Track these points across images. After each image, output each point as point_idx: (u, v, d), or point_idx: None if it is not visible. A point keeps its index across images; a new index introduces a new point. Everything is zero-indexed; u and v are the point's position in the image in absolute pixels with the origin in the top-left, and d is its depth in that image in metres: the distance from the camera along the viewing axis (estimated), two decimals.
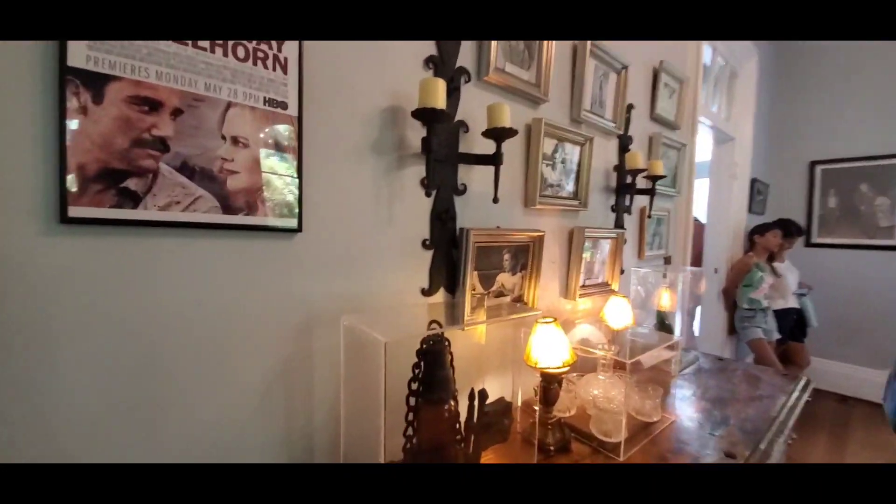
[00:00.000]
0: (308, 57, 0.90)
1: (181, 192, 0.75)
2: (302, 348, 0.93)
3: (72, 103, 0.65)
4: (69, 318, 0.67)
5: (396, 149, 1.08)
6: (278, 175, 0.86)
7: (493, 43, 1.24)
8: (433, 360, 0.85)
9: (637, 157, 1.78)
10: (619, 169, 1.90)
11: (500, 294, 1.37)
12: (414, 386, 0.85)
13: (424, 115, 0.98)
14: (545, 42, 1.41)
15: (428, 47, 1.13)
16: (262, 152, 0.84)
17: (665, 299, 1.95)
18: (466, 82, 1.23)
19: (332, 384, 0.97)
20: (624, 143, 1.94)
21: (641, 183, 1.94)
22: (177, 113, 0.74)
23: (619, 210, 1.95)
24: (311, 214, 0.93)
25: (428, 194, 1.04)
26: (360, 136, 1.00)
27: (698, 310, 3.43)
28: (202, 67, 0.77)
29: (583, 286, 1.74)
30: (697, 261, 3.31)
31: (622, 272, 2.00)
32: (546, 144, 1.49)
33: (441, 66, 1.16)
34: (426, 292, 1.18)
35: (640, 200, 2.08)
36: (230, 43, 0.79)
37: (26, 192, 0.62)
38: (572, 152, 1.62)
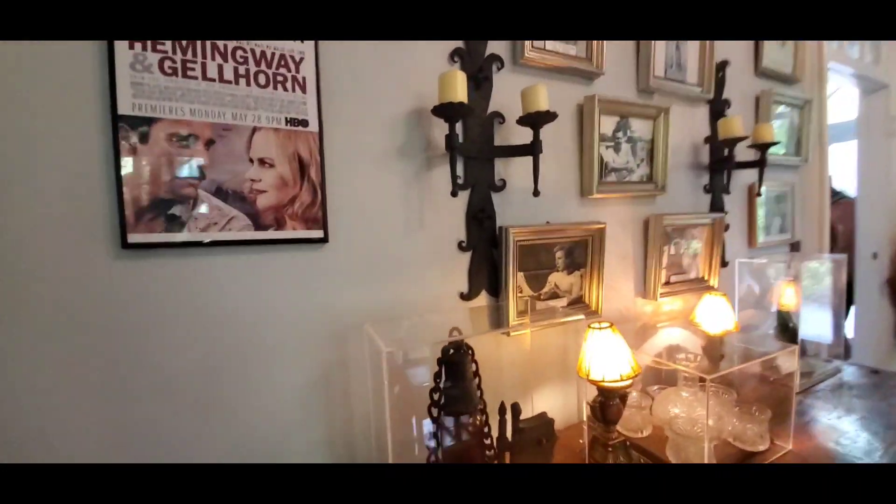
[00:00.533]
0: (326, 70, 0.93)
1: (217, 213, 0.84)
2: (338, 355, 0.96)
3: (123, 145, 0.76)
4: (131, 331, 0.79)
5: (424, 150, 1.05)
6: (303, 189, 0.90)
7: None
8: (453, 370, 0.79)
9: (733, 124, 1.45)
10: (713, 140, 1.58)
11: (553, 296, 1.24)
12: (436, 396, 0.81)
13: (444, 111, 0.93)
14: None
15: (453, 40, 1.07)
16: (287, 169, 0.89)
17: (788, 296, 1.56)
18: (500, 69, 1.14)
19: (368, 390, 0.99)
20: (717, 109, 1.61)
21: (746, 154, 1.59)
22: (209, 143, 0.82)
23: (716, 190, 1.62)
24: (337, 224, 0.95)
25: (454, 194, 0.98)
26: (384, 141, 1.00)
27: (852, 309, 2.69)
28: (228, 100, 0.84)
29: (667, 283, 1.49)
30: (851, 246, 2.58)
31: (724, 264, 1.66)
32: (604, 124, 1.30)
33: (468, 57, 1.09)
34: (465, 296, 1.12)
35: (748, 176, 1.70)
36: (252, 72, 0.85)
37: (95, 223, 0.75)
38: (642, 128, 1.39)
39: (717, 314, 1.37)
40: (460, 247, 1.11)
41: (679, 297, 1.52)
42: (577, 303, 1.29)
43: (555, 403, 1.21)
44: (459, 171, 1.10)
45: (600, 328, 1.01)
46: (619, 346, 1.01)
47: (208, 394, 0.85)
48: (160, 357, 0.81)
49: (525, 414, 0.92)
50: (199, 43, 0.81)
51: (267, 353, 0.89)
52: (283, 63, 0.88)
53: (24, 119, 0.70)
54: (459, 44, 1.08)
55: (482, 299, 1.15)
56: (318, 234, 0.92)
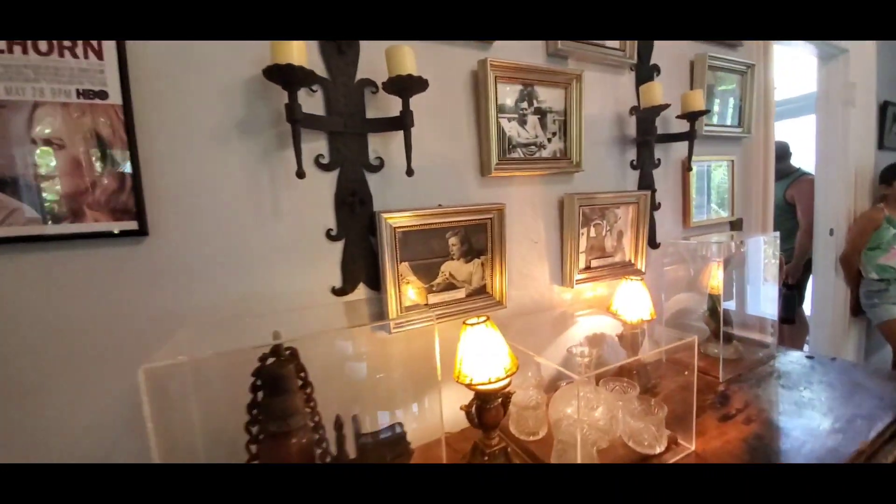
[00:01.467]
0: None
1: (9, 206, 0.71)
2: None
3: None
4: None
5: (274, 124, 0.92)
6: (107, 175, 0.77)
7: None
8: (270, 381, 0.68)
9: (653, 90, 1.33)
10: (638, 111, 1.45)
11: (449, 286, 1.13)
12: (254, 412, 0.70)
13: (278, 74, 0.80)
14: None
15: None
16: (81, 150, 0.75)
17: (718, 278, 1.47)
18: None
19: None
20: (645, 76, 1.48)
21: (679, 126, 1.47)
22: None
23: (644, 165, 1.51)
24: (162, 215, 0.83)
25: (300, 175, 0.85)
26: (220, 114, 0.87)
27: (809, 286, 2.63)
28: (14, 66, 0.70)
29: (587, 269, 1.39)
30: (811, 225, 2.49)
31: (655, 246, 1.56)
32: (504, 93, 1.17)
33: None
34: (339, 291, 1.01)
35: (681, 150, 1.58)
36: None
37: None
38: (552, 98, 1.26)
39: (634, 301, 1.28)
40: (329, 236, 0.99)
41: (603, 282, 1.42)
42: (480, 293, 1.18)
43: (436, 410, 1.11)
44: (323, 149, 0.97)
45: (475, 324, 0.91)
46: (496, 343, 0.91)
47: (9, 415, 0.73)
48: None
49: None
50: None
51: (85, 361, 0.77)
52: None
53: None
54: None
55: (361, 293, 1.04)
56: (131, 225, 0.79)
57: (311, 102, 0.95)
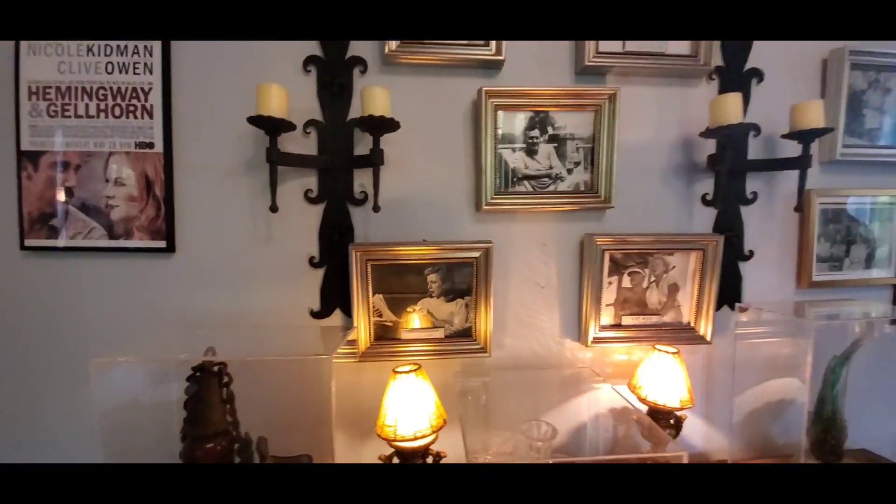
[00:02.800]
0: (178, 95, 1.02)
1: (81, 224, 1.02)
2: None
3: (23, 173, 1.00)
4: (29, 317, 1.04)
5: (292, 162, 1.05)
6: (149, 204, 1.03)
7: None
8: (193, 392, 0.79)
9: (724, 105, 1.00)
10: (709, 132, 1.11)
11: (430, 325, 1.09)
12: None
13: (258, 123, 0.92)
14: None
15: (307, 46, 1.04)
16: (135, 187, 1.02)
17: (842, 372, 1.00)
18: (363, 73, 1.05)
19: None
20: (733, 85, 1.12)
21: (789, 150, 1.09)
22: (77, 168, 1.01)
23: (720, 200, 1.14)
24: (186, 237, 1.05)
25: (273, 209, 0.95)
26: (232, 157, 1.05)
27: None
28: (91, 131, 1.01)
29: (616, 326, 1.13)
30: None
31: (738, 307, 1.17)
32: (509, 122, 1.06)
33: (325, 64, 1.04)
34: (316, 314, 1.09)
35: (788, 181, 1.14)
36: (110, 106, 1.01)
37: (2, 232, 1.02)
38: (574, 124, 1.08)
39: (662, 378, 1.00)
40: (312, 263, 1.08)
41: (640, 344, 1.13)
42: (463, 336, 1.10)
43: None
44: (313, 184, 1.07)
45: (405, 372, 0.86)
46: (425, 396, 0.84)
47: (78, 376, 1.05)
48: (42, 343, 1.04)
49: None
50: (74, 87, 1.00)
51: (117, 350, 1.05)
52: (134, 95, 1.01)
53: None
54: (315, 50, 1.04)
55: (337, 318, 1.10)
56: (161, 244, 1.03)
57: (307, 143, 1.05)
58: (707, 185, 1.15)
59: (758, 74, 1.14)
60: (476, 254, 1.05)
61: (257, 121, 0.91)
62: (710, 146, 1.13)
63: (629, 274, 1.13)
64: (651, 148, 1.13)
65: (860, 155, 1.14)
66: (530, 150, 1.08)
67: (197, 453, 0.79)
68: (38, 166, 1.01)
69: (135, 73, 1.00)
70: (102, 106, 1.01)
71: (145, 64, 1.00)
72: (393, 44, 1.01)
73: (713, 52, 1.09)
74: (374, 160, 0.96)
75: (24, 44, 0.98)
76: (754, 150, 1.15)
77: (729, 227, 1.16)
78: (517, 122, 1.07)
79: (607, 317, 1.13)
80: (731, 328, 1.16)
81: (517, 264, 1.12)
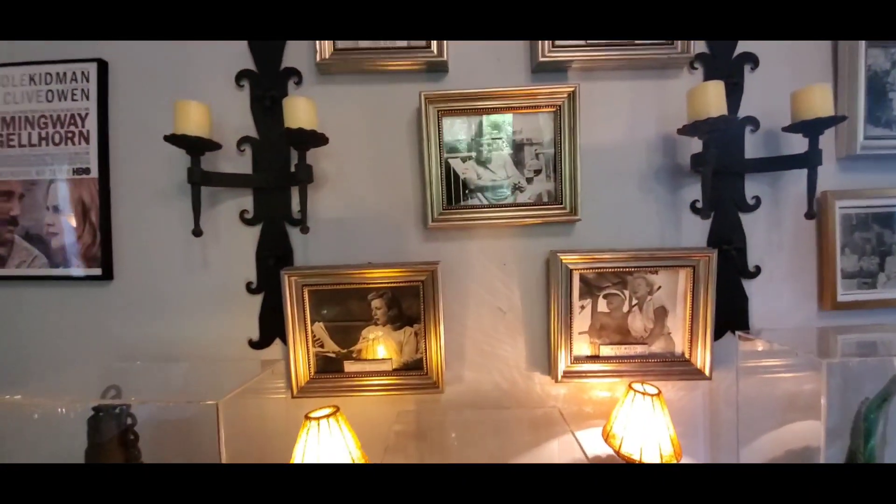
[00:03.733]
0: (114, 117, 1.00)
1: (25, 253, 1.01)
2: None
3: None
4: None
5: (219, 182, 1.00)
6: (85, 231, 1.00)
7: None
8: (91, 431, 0.72)
9: (701, 96, 0.84)
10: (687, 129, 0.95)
11: (370, 356, 0.98)
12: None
13: (177, 142, 0.87)
14: None
15: (240, 60, 0.99)
16: (72, 214, 1.00)
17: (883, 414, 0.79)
18: (298, 84, 0.99)
19: None
20: (720, 72, 0.97)
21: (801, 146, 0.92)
22: (21, 197, 1.00)
23: (707, 207, 0.96)
24: (124, 263, 1.01)
25: (196, 233, 0.88)
26: (166, 179, 1.00)
27: None
28: (34, 159, 1.00)
29: (593, 358, 0.97)
30: None
31: (738, 335, 0.98)
32: (454, 128, 0.96)
33: (258, 77, 0.99)
34: (256, 344, 1.01)
35: (798, 183, 0.95)
36: (51, 134, 1.00)
37: None
38: (531, 127, 0.96)
39: (641, 427, 0.83)
40: (249, 289, 1.00)
41: (624, 379, 0.96)
42: (413, 369, 0.97)
43: None
44: (249, 204, 1.00)
45: (319, 417, 0.75)
46: (339, 445, 0.72)
47: None
48: None
49: None
50: (18, 117, 1.00)
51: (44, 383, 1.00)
52: (72, 121, 1.00)
53: None
54: (248, 64, 0.99)
55: (277, 349, 1.01)
56: (97, 271, 0.99)
57: (242, 161, 1.00)
58: (696, 191, 0.99)
59: (751, 59, 0.97)
60: (422, 276, 0.94)
61: (175, 139, 0.85)
62: (697, 145, 0.97)
63: (605, 297, 0.97)
64: (626, 150, 0.98)
65: (887, 147, 0.94)
66: (481, 159, 0.97)
67: None
68: None
69: (73, 100, 0.99)
70: (44, 134, 1.00)
71: (82, 90, 0.99)
72: (326, 52, 0.94)
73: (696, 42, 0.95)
74: (300, 177, 0.89)
75: None
76: (753, 147, 0.98)
77: (726, 239, 0.98)
78: (466, 129, 0.96)
79: (582, 347, 0.97)
80: (738, 359, 0.96)
81: (475, 286, 1.00)
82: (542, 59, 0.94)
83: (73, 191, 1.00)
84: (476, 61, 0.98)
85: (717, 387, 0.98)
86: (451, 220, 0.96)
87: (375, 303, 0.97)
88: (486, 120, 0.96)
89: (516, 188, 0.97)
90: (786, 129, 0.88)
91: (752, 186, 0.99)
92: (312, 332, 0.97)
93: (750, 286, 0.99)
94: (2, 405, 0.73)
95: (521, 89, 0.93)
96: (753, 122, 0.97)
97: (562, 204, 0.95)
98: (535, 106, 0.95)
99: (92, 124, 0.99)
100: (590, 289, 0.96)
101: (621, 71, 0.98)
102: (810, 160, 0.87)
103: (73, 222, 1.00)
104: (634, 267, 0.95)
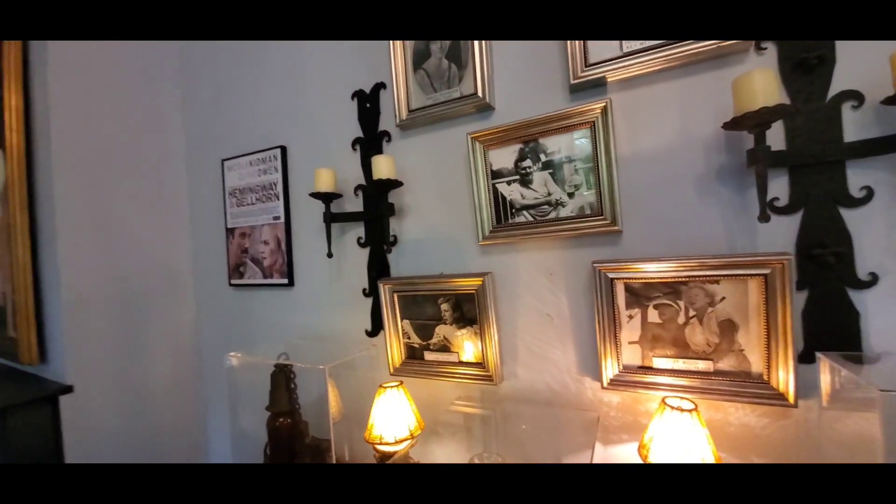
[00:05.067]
0: (292, 183, 1.54)
1: (252, 270, 1.66)
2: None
3: (230, 240, 1.72)
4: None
5: (341, 219, 1.43)
6: (279, 256, 1.57)
7: (402, 92, 1.24)
8: (274, 381, 1.18)
9: (747, 85, 0.76)
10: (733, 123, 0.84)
11: (444, 348, 1.21)
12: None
13: (317, 196, 1.31)
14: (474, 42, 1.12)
15: (354, 131, 1.38)
16: (274, 246, 1.58)
17: None
18: (388, 142, 1.32)
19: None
20: (797, 46, 0.83)
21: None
22: (248, 236, 1.66)
23: (764, 210, 0.83)
24: (300, 275, 1.54)
25: (330, 255, 1.29)
26: (319, 219, 1.48)
27: None
28: (254, 212, 1.64)
29: (644, 369, 0.97)
30: None
31: (820, 359, 0.81)
32: (499, 158, 1.11)
33: (364, 141, 1.36)
34: (370, 333, 1.38)
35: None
36: (261, 195, 1.61)
37: (219, 276, 1.75)
38: (566, 146, 1.03)
39: (678, 446, 0.83)
40: (364, 294, 1.38)
41: (685, 394, 0.91)
42: (475, 364, 1.16)
43: None
44: (362, 233, 1.38)
45: (391, 386, 1.03)
46: (403, 406, 0.99)
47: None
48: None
49: None
50: (246, 187, 1.66)
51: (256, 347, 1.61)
52: (271, 187, 1.59)
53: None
54: (359, 132, 1.37)
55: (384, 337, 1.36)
56: (285, 281, 1.55)
57: (357, 202, 1.39)
58: (777, 187, 0.86)
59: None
60: (476, 284, 1.12)
61: (316, 195, 1.29)
62: (770, 135, 0.85)
63: (656, 307, 0.94)
64: (678, 153, 0.94)
65: None
66: (524, 181, 1.09)
67: (278, 426, 1.18)
68: (233, 236, 1.70)
69: (270, 174, 1.58)
70: (258, 196, 1.63)
71: (274, 167, 1.57)
72: (403, 114, 1.24)
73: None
74: (381, 212, 1.21)
75: (226, 164, 1.70)
76: (858, 127, 0.79)
77: (819, 242, 0.82)
78: (508, 157, 1.10)
79: (632, 357, 0.97)
80: (822, 386, 0.79)
81: (525, 294, 1.12)
82: (572, 83, 1.00)
83: (272, 231, 1.59)
84: (518, 94, 1.11)
85: (813, 417, 0.82)
86: (498, 237, 1.12)
87: (444, 306, 1.20)
88: (526, 146, 1.08)
89: (557, 203, 1.05)
90: (886, 102, 0.70)
91: (862, 175, 0.79)
92: (402, 327, 1.27)
93: (863, 298, 0.79)
94: (235, 359, 1.28)
95: (554, 113, 1.02)
96: (855, 96, 0.79)
97: (603, 215, 0.99)
98: (570, 126, 1.01)
99: (280, 188, 1.56)
100: (637, 299, 0.96)
101: (669, 70, 0.94)
102: None
103: (272, 250, 1.59)
104: (683, 276, 0.90)
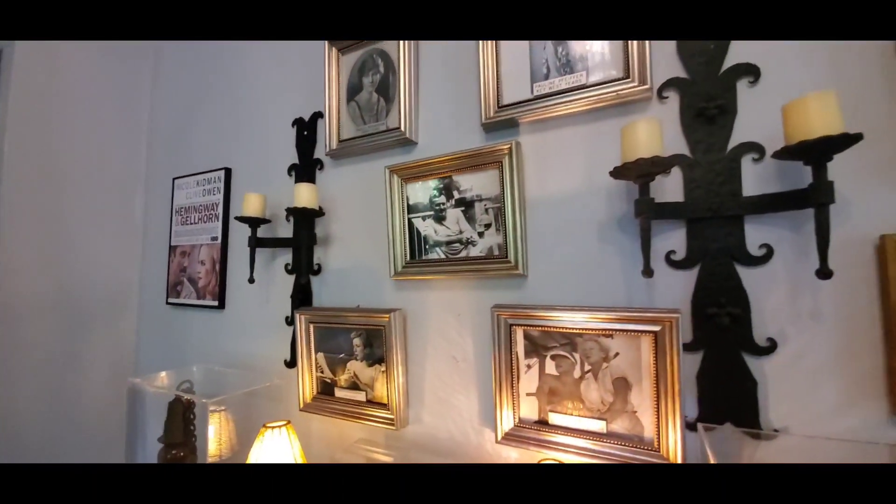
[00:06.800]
0: (232, 205, 1.53)
1: (188, 290, 1.62)
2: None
3: (172, 257, 1.70)
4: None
5: (269, 244, 1.40)
6: (213, 277, 1.54)
7: (335, 122, 1.24)
8: (169, 412, 1.12)
9: (631, 135, 0.73)
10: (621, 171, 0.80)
11: (353, 386, 1.15)
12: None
13: (243, 220, 1.29)
14: (401, 72, 1.12)
15: (292, 157, 1.38)
16: (210, 266, 1.56)
17: None
18: (321, 170, 1.31)
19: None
20: (700, 94, 0.81)
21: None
22: (188, 255, 1.64)
23: (648, 265, 0.79)
24: (231, 298, 1.50)
25: (251, 281, 1.26)
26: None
27: None
28: (195, 231, 1.62)
29: (540, 424, 0.90)
30: None
31: (701, 428, 0.75)
32: (417, 192, 1.09)
33: (300, 168, 1.35)
34: (288, 364, 1.32)
35: (842, 223, 0.68)
36: (204, 214, 1.60)
37: (160, 294, 1.72)
38: (479, 184, 1.00)
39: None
40: (287, 322, 1.34)
41: (578, 458, 0.84)
42: (380, 404, 1.10)
43: None
44: (289, 258, 1.35)
45: (273, 427, 0.97)
46: (286, 450, 0.92)
47: None
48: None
49: None
50: (191, 206, 1.65)
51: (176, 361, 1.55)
52: (212, 208, 1.58)
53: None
54: (296, 159, 1.37)
55: None
56: (215, 303, 1.51)
57: (289, 227, 1.37)
58: (676, 240, 0.82)
59: (750, 72, 0.77)
60: (384, 320, 1.07)
61: (242, 219, 1.27)
62: (670, 185, 0.82)
63: (552, 357, 0.88)
64: (583, 199, 0.90)
65: None
66: (438, 217, 1.06)
67: (165, 456, 1.11)
68: (175, 254, 1.68)
69: (213, 194, 1.58)
70: (200, 216, 1.62)
71: (218, 188, 1.56)
72: (334, 143, 1.24)
73: (657, 65, 0.83)
74: (299, 242, 1.18)
75: (176, 182, 1.70)
76: (761, 180, 0.76)
77: (714, 301, 0.76)
78: (424, 192, 1.08)
79: (530, 410, 0.91)
80: (739, 459, 0.72)
81: (433, 334, 1.06)
82: (485, 121, 0.99)
83: (209, 251, 1.57)
84: (439, 131, 1.10)
85: None
86: (409, 273, 1.08)
87: (356, 341, 1.15)
88: (441, 181, 1.05)
89: (468, 242, 1.02)
90: (776, 156, 0.67)
91: (761, 232, 0.75)
92: (316, 360, 1.22)
93: (760, 366, 0.73)
94: (138, 384, 1.23)
95: (467, 151, 1.00)
96: (756, 148, 0.76)
97: (507, 258, 0.95)
98: (481, 164, 0.99)
99: (220, 209, 1.55)
100: (536, 348, 0.90)
101: (575, 116, 0.92)
102: (815, 196, 0.63)
103: (208, 271, 1.56)
104: (581, 328, 0.84)
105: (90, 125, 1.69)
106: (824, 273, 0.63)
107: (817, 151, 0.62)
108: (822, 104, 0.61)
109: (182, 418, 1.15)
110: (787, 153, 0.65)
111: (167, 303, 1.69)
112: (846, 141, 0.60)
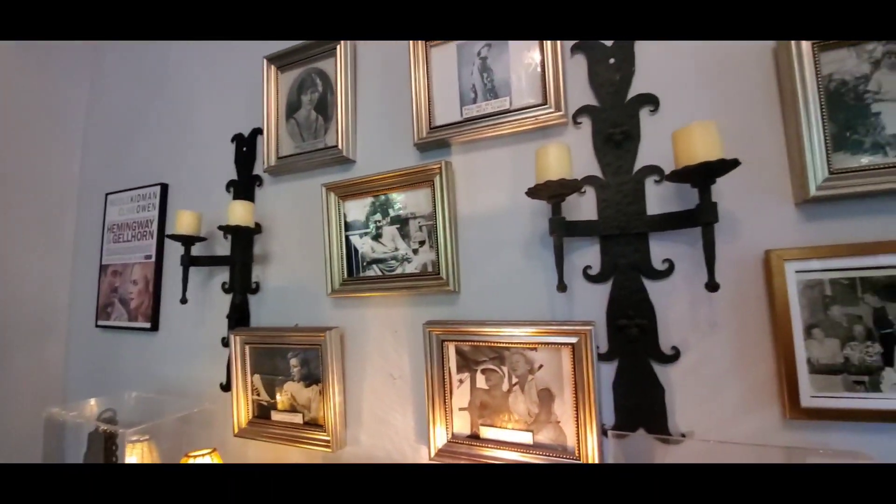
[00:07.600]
0: (170, 222, 1.47)
1: (119, 312, 1.53)
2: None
3: (102, 276, 1.60)
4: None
5: (205, 263, 1.35)
6: (146, 297, 1.46)
7: (273, 138, 1.23)
8: (89, 442, 1.05)
9: (543, 157, 0.78)
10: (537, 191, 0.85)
11: (291, 408, 1.12)
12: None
13: (176, 238, 1.24)
14: (339, 91, 1.13)
15: (231, 173, 1.35)
16: (143, 286, 1.48)
17: None
18: (260, 186, 1.29)
19: None
20: (608, 122, 0.87)
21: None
22: (120, 274, 1.55)
23: (561, 278, 0.83)
24: (165, 320, 1.43)
25: (183, 301, 1.21)
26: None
27: None
28: (129, 249, 1.54)
29: (473, 438, 0.91)
30: None
31: (611, 434, 0.79)
32: (354, 209, 1.09)
33: (238, 184, 1.32)
34: (224, 388, 1.26)
35: (740, 240, 0.74)
36: (137, 232, 1.53)
37: (89, 315, 1.61)
38: (413, 202, 1.02)
39: None
40: (223, 343, 1.29)
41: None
42: (317, 426, 1.07)
43: None
44: (227, 278, 1.31)
45: (196, 455, 0.92)
46: None
47: None
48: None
49: None
50: (124, 223, 1.57)
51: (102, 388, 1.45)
52: (147, 224, 1.51)
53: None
54: (234, 175, 1.34)
55: None
56: (148, 325, 1.43)
57: (227, 245, 1.33)
58: (592, 255, 0.86)
59: (650, 101, 0.84)
60: (319, 339, 1.06)
61: (174, 237, 1.22)
62: (586, 204, 0.87)
63: (483, 371, 0.90)
64: (509, 217, 0.94)
65: (870, 182, 0.66)
66: (375, 235, 1.07)
67: None
68: (106, 273, 1.59)
69: (148, 211, 1.51)
70: (134, 233, 1.54)
71: (153, 204, 1.50)
72: (273, 159, 1.22)
73: (571, 93, 0.89)
74: (235, 258, 1.15)
75: (109, 198, 1.62)
76: (664, 200, 0.82)
77: (624, 313, 0.81)
78: (361, 209, 1.08)
79: (463, 425, 0.92)
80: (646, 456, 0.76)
81: (371, 352, 1.06)
82: (417, 142, 1.01)
83: (142, 270, 1.49)
84: (376, 149, 1.12)
85: None
86: (347, 291, 1.07)
87: (293, 361, 1.12)
88: (377, 199, 1.07)
89: (404, 259, 1.03)
90: (668, 179, 0.73)
91: (664, 248, 0.81)
92: (252, 382, 1.17)
93: (667, 373, 0.78)
94: (52, 416, 1.14)
95: (401, 169, 1.02)
96: (657, 171, 0.82)
97: (440, 275, 0.96)
98: (416, 182, 1.01)
99: (155, 226, 1.48)
100: (467, 362, 0.92)
101: (501, 139, 0.97)
102: (701, 215, 0.69)
103: (140, 291, 1.48)
104: (507, 342, 0.87)
105: (19, 136, 1.59)
106: (712, 286, 0.69)
107: (700, 175, 0.68)
108: (704, 132, 0.68)
109: (104, 450, 1.07)
110: (675, 176, 0.71)
111: (97, 325, 1.58)
112: (724, 166, 0.66)
